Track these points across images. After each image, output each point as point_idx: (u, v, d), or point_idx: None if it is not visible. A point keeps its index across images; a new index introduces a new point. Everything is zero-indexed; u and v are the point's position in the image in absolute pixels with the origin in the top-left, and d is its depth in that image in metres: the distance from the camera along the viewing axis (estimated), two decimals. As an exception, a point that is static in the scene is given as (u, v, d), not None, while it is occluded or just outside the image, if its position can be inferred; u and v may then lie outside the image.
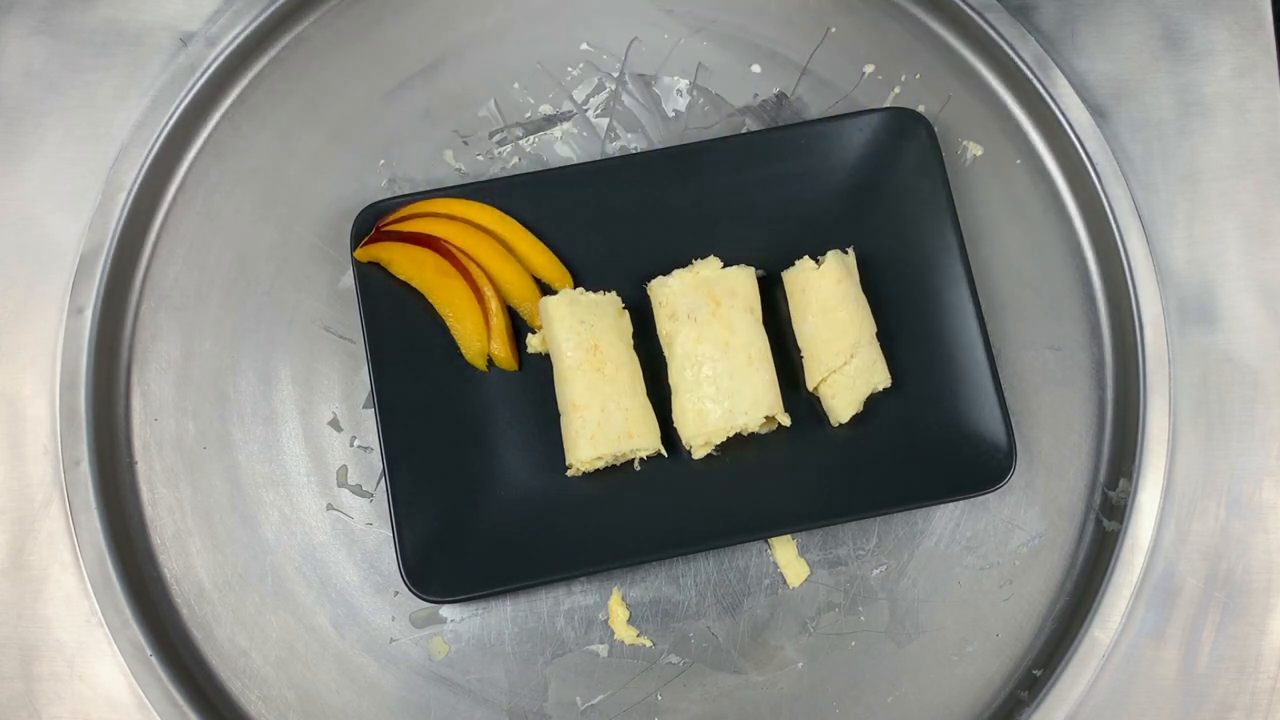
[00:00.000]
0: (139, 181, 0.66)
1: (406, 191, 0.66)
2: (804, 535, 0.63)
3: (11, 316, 0.65)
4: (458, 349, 0.63)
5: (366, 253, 0.63)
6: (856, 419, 0.61)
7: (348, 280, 0.65)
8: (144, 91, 0.68)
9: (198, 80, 0.68)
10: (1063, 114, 0.67)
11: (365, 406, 0.65)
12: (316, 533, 0.63)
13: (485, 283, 0.63)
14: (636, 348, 0.62)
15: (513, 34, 0.70)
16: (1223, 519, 0.63)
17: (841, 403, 0.61)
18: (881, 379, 0.62)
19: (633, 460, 0.61)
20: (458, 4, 0.71)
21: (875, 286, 0.63)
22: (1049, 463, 0.64)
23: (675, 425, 0.61)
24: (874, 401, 0.62)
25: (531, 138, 0.69)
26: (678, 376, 0.61)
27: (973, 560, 0.63)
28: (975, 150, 0.68)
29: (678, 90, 0.69)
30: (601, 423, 0.60)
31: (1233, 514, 0.63)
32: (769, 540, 0.63)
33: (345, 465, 0.64)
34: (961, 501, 0.63)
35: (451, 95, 0.69)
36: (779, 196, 0.65)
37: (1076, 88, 0.68)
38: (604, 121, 0.69)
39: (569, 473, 0.61)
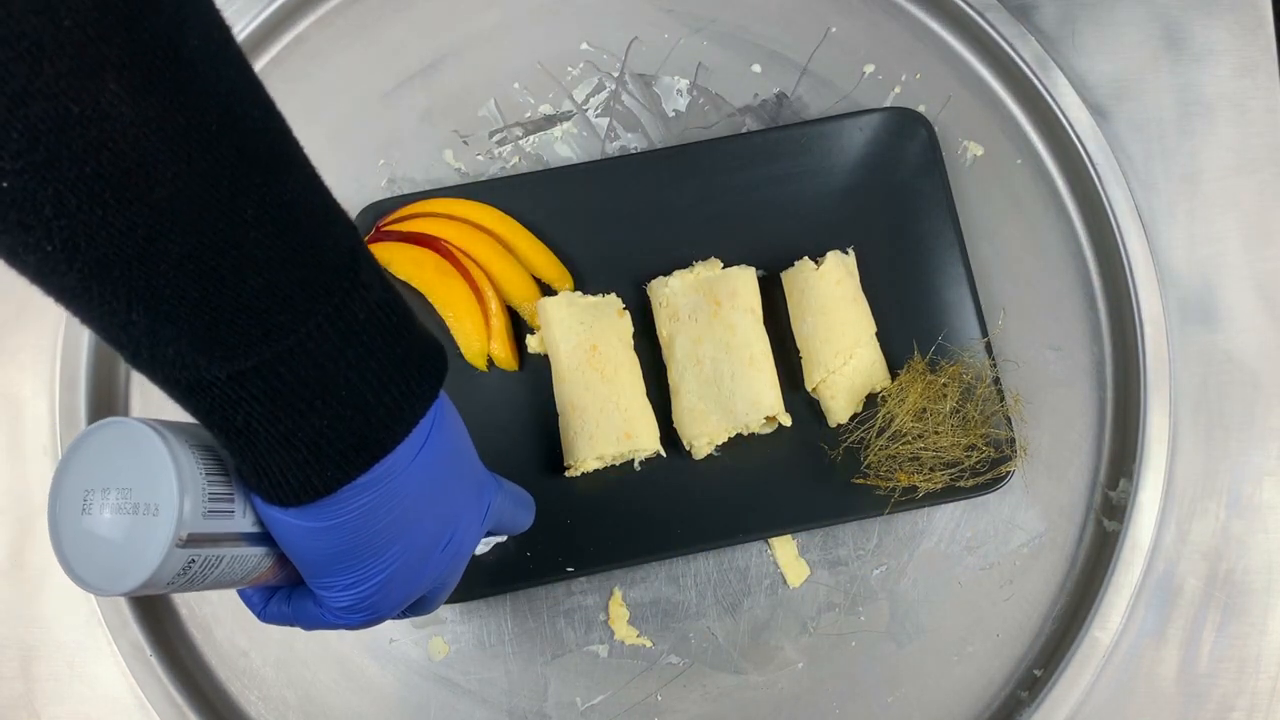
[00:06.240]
0: (139, 181, 0.66)
1: (406, 191, 0.66)
2: (804, 535, 0.63)
3: (11, 316, 0.65)
4: (458, 349, 0.63)
5: (366, 253, 0.63)
6: (856, 419, 0.61)
7: (348, 280, 0.65)
8: (144, 91, 0.67)
9: (198, 80, 0.67)
10: (1063, 114, 0.67)
11: (365, 406, 0.64)
12: (316, 533, 0.63)
13: (485, 283, 0.62)
14: (637, 348, 0.62)
15: (513, 34, 0.70)
16: (1223, 519, 0.63)
17: (840, 403, 0.61)
18: (881, 379, 0.62)
19: (632, 460, 0.61)
20: (458, 4, 0.71)
21: (875, 286, 0.63)
22: (1049, 463, 0.64)
23: (675, 425, 0.61)
24: (874, 401, 0.62)
25: (531, 138, 0.69)
26: (678, 377, 0.61)
27: (973, 560, 0.63)
28: (975, 150, 0.68)
29: (678, 90, 0.69)
30: (600, 423, 0.59)
31: (1233, 514, 0.63)
32: (769, 540, 0.63)
33: (345, 465, 0.64)
34: (962, 502, 0.63)
35: (451, 95, 0.69)
36: (779, 196, 0.65)
37: (1077, 88, 0.68)
38: (604, 121, 0.69)
39: (568, 473, 0.61)
